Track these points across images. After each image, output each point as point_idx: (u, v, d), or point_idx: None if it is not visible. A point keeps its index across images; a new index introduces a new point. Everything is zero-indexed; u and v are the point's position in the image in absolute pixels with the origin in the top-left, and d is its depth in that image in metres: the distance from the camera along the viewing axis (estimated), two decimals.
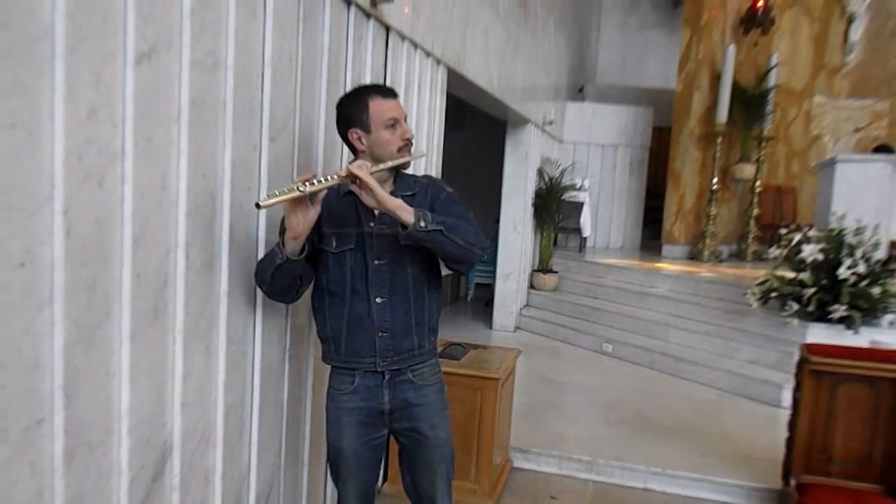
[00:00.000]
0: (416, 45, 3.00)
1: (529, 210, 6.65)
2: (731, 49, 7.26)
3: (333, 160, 2.31)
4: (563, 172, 6.88)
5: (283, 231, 1.69)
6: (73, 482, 1.27)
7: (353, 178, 1.62)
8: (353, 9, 2.33)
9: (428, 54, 3.19)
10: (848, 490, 2.71)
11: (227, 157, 1.66)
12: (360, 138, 1.78)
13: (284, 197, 1.54)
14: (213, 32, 1.56)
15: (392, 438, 1.98)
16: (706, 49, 7.61)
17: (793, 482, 2.86)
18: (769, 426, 4.04)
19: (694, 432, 3.96)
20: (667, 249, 7.90)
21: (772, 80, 7.51)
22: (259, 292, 1.88)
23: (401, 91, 2.85)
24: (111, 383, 1.36)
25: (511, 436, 3.49)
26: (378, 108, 1.76)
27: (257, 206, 1.55)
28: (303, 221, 1.65)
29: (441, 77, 3.45)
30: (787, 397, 4.15)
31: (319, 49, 2.14)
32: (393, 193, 1.76)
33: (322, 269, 1.84)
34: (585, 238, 7.96)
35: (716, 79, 7.49)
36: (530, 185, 6.58)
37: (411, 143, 1.82)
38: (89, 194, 1.24)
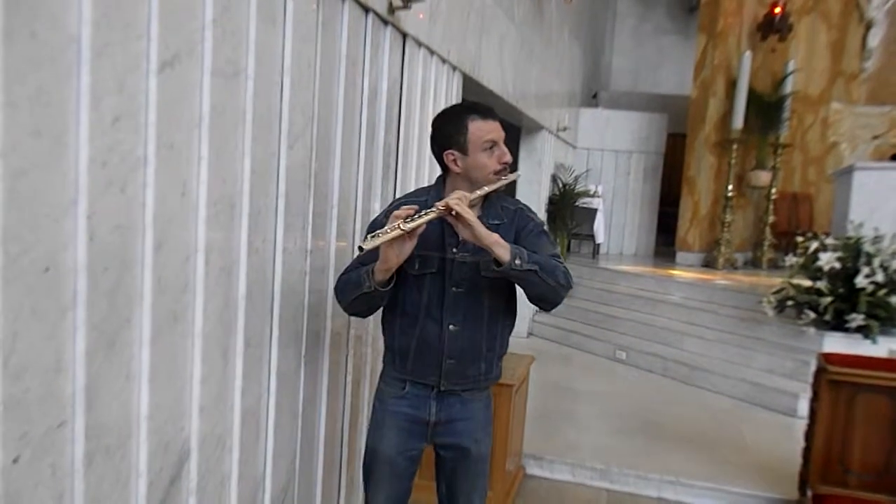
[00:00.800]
0: (432, 52, 3.01)
1: (543, 216, 6.65)
2: (748, 55, 7.22)
3: (350, 169, 2.32)
4: (576, 179, 6.88)
5: (366, 258, 1.66)
6: (93, 485, 1.28)
7: (451, 211, 1.60)
8: (370, 16, 2.34)
9: (444, 61, 3.20)
10: (865, 502, 2.68)
11: (246, 163, 1.68)
12: (455, 160, 1.75)
13: (387, 237, 1.55)
14: (234, 41, 1.58)
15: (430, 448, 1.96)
16: (722, 55, 7.58)
17: (809, 493, 2.84)
18: (785, 436, 4.00)
19: (709, 441, 3.93)
20: (681, 256, 7.86)
21: (788, 86, 7.47)
22: (276, 298, 1.89)
23: (416, 97, 2.87)
24: (131, 387, 1.37)
25: (524, 443, 3.48)
26: (478, 129, 1.71)
27: (360, 249, 1.55)
28: (398, 254, 1.63)
29: (456, 83, 3.46)
30: (802, 407, 4.11)
31: (337, 56, 2.16)
32: (480, 219, 1.72)
33: (399, 288, 1.79)
34: (599, 244, 7.94)
35: (731, 85, 7.45)
36: (544, 192, 6.58)
37: (508, 166, 1.77)
38: (112, 200, 1.26)
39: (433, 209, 1.61)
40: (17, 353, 1.09)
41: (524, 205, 1.90)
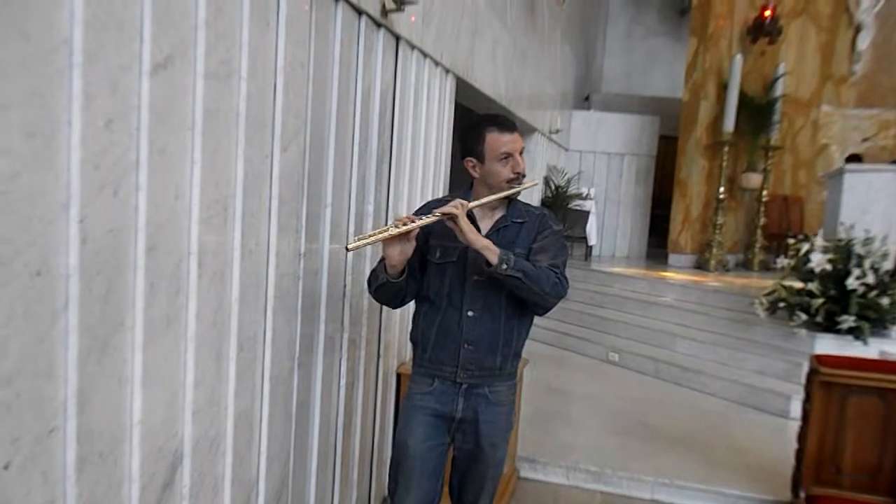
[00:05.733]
0: (425, 55, 3.01)
1: None
2: (738, 58, 7.26)
3: (344, 171, 2.31)
4: (569, 181, 6.89)
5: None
6: (85, 490, 1.27)
7: (449, 216, 1.78)
8: (363, 18, 2.34)
9: (437, 63, 3.20)
10: (858, 503, 2.69)
11: (239, 166, 1.67)
12: (474, 167, 1.91)
13: (373, 239, 1.70)
14: (227, 42, 1.57)
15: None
16: (713, 58, 7.62)
17: (802, 494, 2.84)
18: (777, 437, 4.02)
19: (701, 443, 3.94)
20: (673, 258, 7.89)
21: (779, 89, 7.52)
22: (270, 301, 1.88)
23: (409, 100, 2.86)
24: (124, 391, 1.36)
25: (518, 445, 3.48)
26: (494, 141, 1.87)
27: (347, 249, 1.72)
28: (399, 253, 1.80)
29: (450, 86, 3.46)
30: (795, 408, 4.13)
31: (330, 58, 2.15)
32: (503, 218, 1.95)
33: (425, 277, 1.97)
34: (591, 247, 7.96)
35: (723, 88, 7.49)
36: (536, 194, 6.58)
37: (522, 176, 1.93)
38: (104, 203, 1.25)
39: (432, 215, 1.79)
40: (8, 357, 1.08)
41: (550, 213, 2.07)
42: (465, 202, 1.81)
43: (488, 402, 1.94)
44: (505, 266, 1.78)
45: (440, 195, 3.39)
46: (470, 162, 1.91)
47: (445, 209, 1.78)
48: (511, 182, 1.90)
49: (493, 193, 1.90)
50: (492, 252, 1.78)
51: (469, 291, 1.90)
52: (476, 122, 1.95)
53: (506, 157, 1.87)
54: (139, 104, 1.31)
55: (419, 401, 1.96)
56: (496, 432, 1.96)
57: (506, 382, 1.98)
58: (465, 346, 1.90)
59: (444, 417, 1.94)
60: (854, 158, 6.88)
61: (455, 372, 1.91)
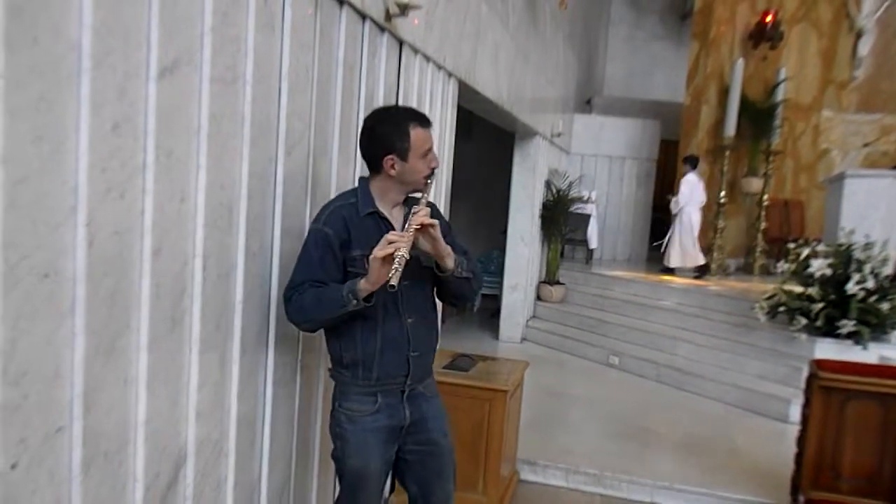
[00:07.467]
0: (428, 59, 3.03)
1: (537, 221, 6.66)
2: (740, 63, 7.28)
3: (346, 174, 2.33)
4: (570, 184, 6.90)
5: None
6: (91, 490, 1.29)
7: (421, 226, 1.68)
8: (367, 23, 2.36)
9: (440, 67, 3.21)
10: None
11: (244, 169, 1.68)
12: (394, 165, 1.77)
13: (400, 269, 1.60)
14: (233, 47, 1.59)
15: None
16: (714, 63, 7.64)
17: (801, 498, 2.86)
18: (777, 441, 4.02)
19: (701, 446, 3.95)
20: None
21: (780, 94, 7.53)
22: (273, 303, 1.90)
23: (413, 103, 2.88)
24: (129, 393, 1.37)
25: (518, 448, 3.49)
26: (418, 137, 1.76)
27: (392, 287, 1.60)
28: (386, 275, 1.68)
29: (452, 90, 3.47)
30: (794, 412, 4.13)
31: (335, 63, 2.17)
32: (407, 215, 1.81)
33: None
34: (592, 250, 7.97)
35: (724, 92, 7.51)
36: (538, 197, 6.60)
37: (435, 171, 1.85)
38: (111, 207, 1.26)
39: (410, 229, 1.66)
40: (16, 358, 1.10)
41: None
42: (426, 209, 1.72)
43: (426, 398, 1.93)
44: (460, 269, 1.79)
45: (443, 198, 3.40)
46: (391, 160, 1.75)
47: (425, 219, 1.68)
48: (427, 178, 1.81)
49: (408, 191, 1.83)
50: (451, 258, 1.76)
51: (403, 298, 1.80)
52: (396, 115, 1.82)
53: (426, 153, 1.78)
54: (146, 109, 1.33)
55: (371, 423, 1.85)
56: (444, 422, 1.97)
57: (431, 374, 1.98)
58: (412, 353, 1.85)
59: (395, 429, 1.89)
60: (689, 160, 6.94)
61: (404, 382, 1.86)
